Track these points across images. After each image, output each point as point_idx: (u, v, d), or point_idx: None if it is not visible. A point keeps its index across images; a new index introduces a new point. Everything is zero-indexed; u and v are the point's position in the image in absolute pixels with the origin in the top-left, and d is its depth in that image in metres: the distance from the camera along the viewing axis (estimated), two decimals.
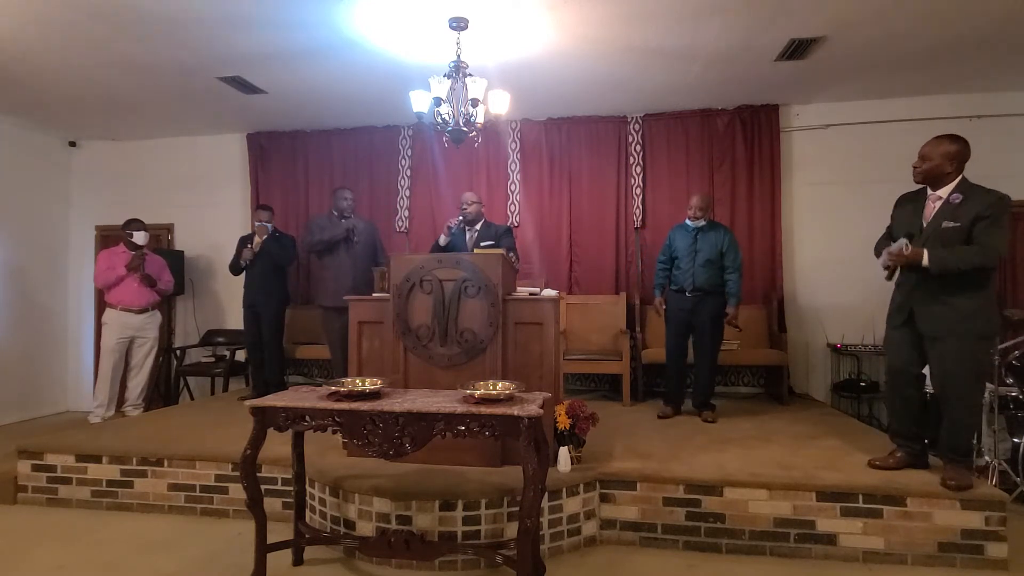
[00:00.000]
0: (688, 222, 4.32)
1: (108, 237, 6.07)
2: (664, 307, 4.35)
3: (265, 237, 4.91)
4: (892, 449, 3.08)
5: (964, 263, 2.68)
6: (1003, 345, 3.57)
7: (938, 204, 2.83)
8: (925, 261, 2.71)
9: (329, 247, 4.74)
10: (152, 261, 5.08)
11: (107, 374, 4.89)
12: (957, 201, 2.76)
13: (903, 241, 2.80)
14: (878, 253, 3.01)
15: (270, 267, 4.95)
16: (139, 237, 4.95)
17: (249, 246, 4.94)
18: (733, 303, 4.18)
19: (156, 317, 5.11)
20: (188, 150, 6.18)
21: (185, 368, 5.78)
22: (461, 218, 4.29)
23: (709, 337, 4.22)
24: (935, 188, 2.86)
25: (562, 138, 5.60)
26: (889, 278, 2.94)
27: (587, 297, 5.41)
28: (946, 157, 2.78)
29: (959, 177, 2.81)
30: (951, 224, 2.74)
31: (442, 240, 4.15)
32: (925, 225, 2.84)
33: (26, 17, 3.60)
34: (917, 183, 2.92)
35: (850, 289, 5.04)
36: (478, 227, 4.40)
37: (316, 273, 4.97)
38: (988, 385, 3.46)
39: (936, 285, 2.78)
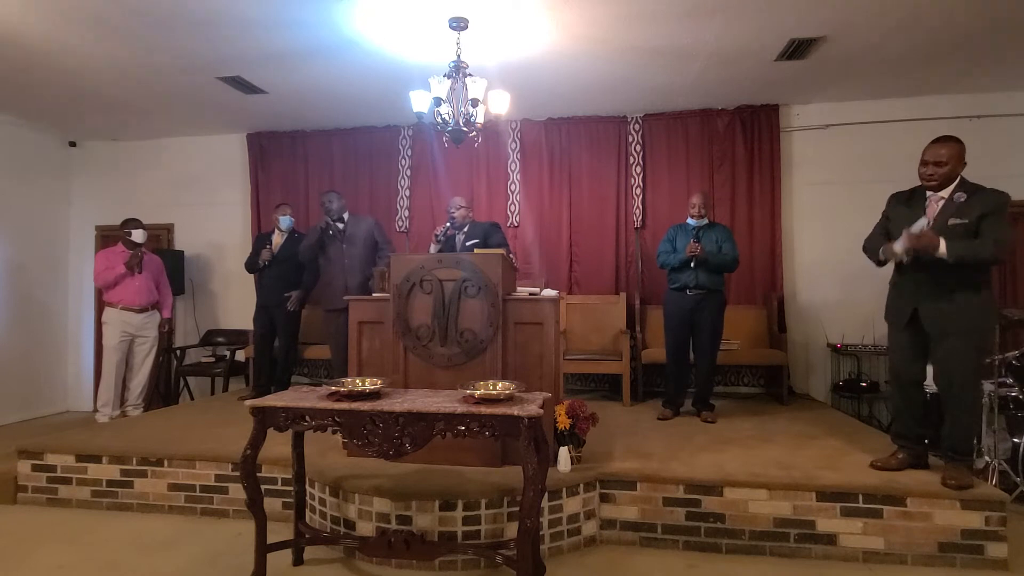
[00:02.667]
0: (690, 220, 4.32)
1: (108, 237, 6.07)
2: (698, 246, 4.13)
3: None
4: (894, 450, 3.08)
5: (978, 255, 2.70)
6: (1009, 354, 3.59)
7: (941, 203, 2.84)
8: (942, 249, 2.70)
9: (316, 252, 4.75)
10: (150, 261, 5.08)
11: (111, 373, 4.89)
12: (962, 200, 2.78)
13: (924, 221, 2.80)
14: (867, 249, 3.02)
15: (287, 269, 4.95)
16: (138, 235, 4.96)
17: (268, 247, 4.95)
18: (712, 256, 4.11)
19: (156, 317, 5.11)
20: (188, 150, 6.19)
21: (185, 368, 5.78)
22: (448, 225, 4.29)
23: (709, 336, 4.21)
24: (937, 190, 2.87)
25: (562, 138, 5.60)
26: (907, 261, 2.86)
27: (587, 297, 5.41)
28: (959, 159, 2.82)
29: (959, 177, 2.84)
30: (958, 221, 2.76)
31: (432, 250, 4.14)
32: (929, 223, 2.84)
33: (26, 17, 3.60)
34: (936, 189, 2.88)
35: (850, 289, 5.05)
36: (466, 229, 4.41)
37: (320, 277, 5.03)
38: (988, 385, 3.48)
39: (941, 284, 2.80)
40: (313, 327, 5.47)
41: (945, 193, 2.84)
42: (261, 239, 5.12)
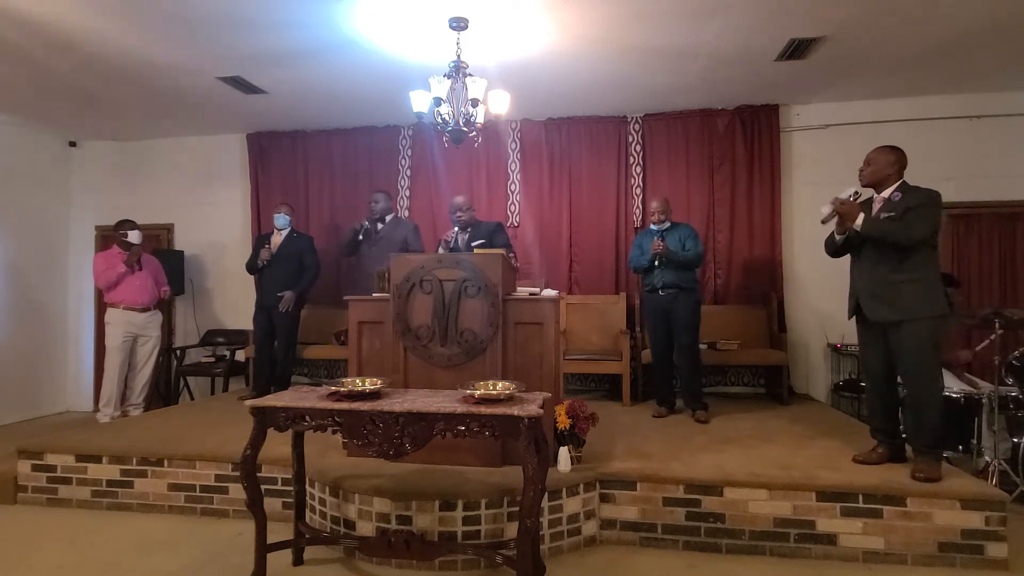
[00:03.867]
0: (652, 227, 4.44)
1: (108, 237, 6.06)
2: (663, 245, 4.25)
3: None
4: (874, 445, 3.16)
5: (884, 233, 2.96)
6: (1015, 353, 3.62)
7: (881, 203, 3.11)
8: (858, 221, 3.01)
9: (350, 250, 4.95)
10: (148, 262, 5.08)
11: (114, 373, 4.90)
12: (897, 198, 3.05)
13: (853, 189, 3.12)
14: (826, 248, 3.32)
15: (286, 269, 4.96)
16: (134, 236, 4.95)
17: (267, 247, 4.96)
18: (678, 255, 4.21)
19: (158, 316, 5.12)
20: (188, 150, 6.19)
21: (185, 368, 5.78)
22: (456, 229, 4.30)
23: (686, 334, 4.26)
24: (879, 191, 3.14)
25: (562, 138, 5.60)
26: (826, 221, 3.16)
27: (587, 297, 5.41)
28: (887, 164, 3.10)
29: (900, 180, 3.08)
30: (888, 214, 3.03)
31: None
32: (872, 219, 3.08)
33: (25, 17, 3.60)
34: (863, 185, 3.20)
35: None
36: (469, 228, 4.41)
37: (350, 274, 5.32)
38: (987, 385, 3.48)
39: (877, 271, 3.03)
40: (313, 327, 5.48)
41: (886, 193, 3.10)
42: (261, 239, 5.13)
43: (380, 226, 4.88)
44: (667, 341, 4.37)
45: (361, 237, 4.86)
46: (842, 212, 3.06)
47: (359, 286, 4.63)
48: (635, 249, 4.54)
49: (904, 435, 3.15)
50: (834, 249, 3.30)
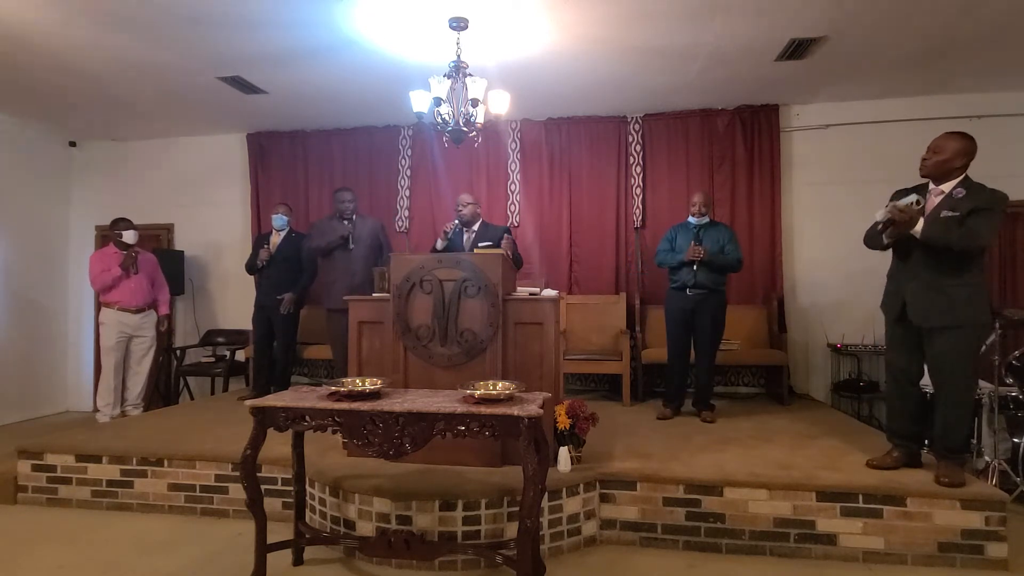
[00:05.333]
0: (691, 219, 4.32)
1: (108, 237, 6.06)
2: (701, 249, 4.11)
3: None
4: (889, 448, 3.08)
5: (949, 241, 2.72)
6: (1015, 353, 3.59)
7: (940, 197, 2.85)
8: (919, 227, 2.75)
9: (327, 252, 4.77)
10: (145, 261, 5.07)
11: (110, 373, 4.89)
12: (960, 196, 2.79)
13: (915, 196, 2.79)
14: (867, 239, 3.03)
15: (285, 269, 4.95)
16: (129, 236, 4.94)
17: (266, 247, 4.96)
18: (716, 257, 4.09)
19: (153, 316, 5.11)
20: (188, 150, 6.19)
21: (185, 368, 5.78)
22: (457, 221, 4.28)
23: (709, 336, 4.21)
24: (939, 183, 2.88)
25: (562, 138, 5.60)
26: (886, 242, 2.91)
27: (587, 297, 5.41)
28: (957, 153, 2.81)
29: (964, 174, 2.84)
30: (949, 213, 2.77)
31: (439, 245, 4.14)
32: (927, 215, 2.84)
33: (26, 17, 3.60)
34: (923, 175, 2.92)
35: (850, 289, 5.04)
36: (475, 228, 4.39)
37: (321, 276, 5.02)
38: (987, 385, 3.47)
39: (928, 274, 2.82)
40: (312, 327, 5.48)
41: (946, 188, 2.85)
42: (260, 240, 5.13)
43: (350, 224, 4.77)
44: (686, 341, 4.27)
45: (348, 240, 4.72)
46: (900, 220, 2.77)
47: (337, 286, 4.59)
48: (664, 243, 4.35)
49: (925, 440, 3.07)
50: (875, 245, 3.01)
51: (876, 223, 2.91)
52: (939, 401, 2.90)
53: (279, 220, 5.01)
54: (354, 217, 4.83)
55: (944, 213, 2.78)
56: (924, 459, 3.06)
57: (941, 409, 2.89)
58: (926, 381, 3.06)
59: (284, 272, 4.94)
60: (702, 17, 3.67)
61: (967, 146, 2.81)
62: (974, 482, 2.86)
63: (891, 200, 3.00)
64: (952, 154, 2.81)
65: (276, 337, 5.00)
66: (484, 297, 3.06)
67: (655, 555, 2.87)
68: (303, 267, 5.02)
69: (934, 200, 2.87)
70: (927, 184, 2.94)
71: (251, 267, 5.08)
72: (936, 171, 2.86)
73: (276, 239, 5.02)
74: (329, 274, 4.81)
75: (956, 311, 2.77)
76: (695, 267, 4.12)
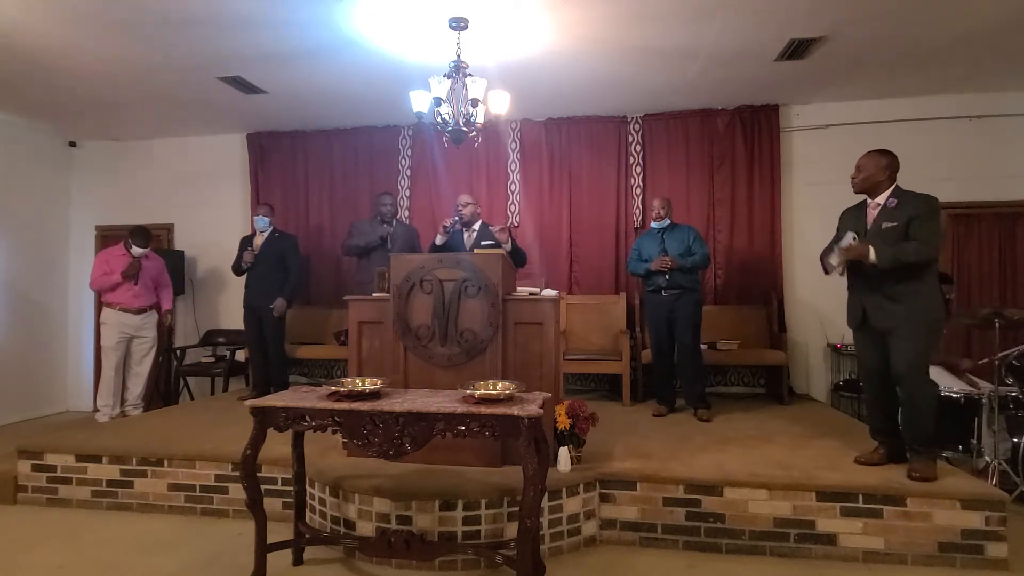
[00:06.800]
0: (653, 224, 4.46)
1: (108, 237, 6.07)
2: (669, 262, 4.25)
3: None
4: (875, 446, 3.17)
5: (906, 257, 2.90)
6: (1004, 352, 3.60)
7: (877, 210, 3.07)
8: (872, 257, 2.94)
9: (366, 251, 4.89)
10: (152, 263, 5.07)
11: (110, 373, 4.89)
12: (893, 205, 3.01)
13: (850, 235, 3.06)
14: (821, 260, 3.22)
15: (271, 269, 4.95)
16: (137, 252, 4.91)
17: (250, 248, 4.96)
18: (684, 262, 4.23)
19: (154, 317, 5.11)
20: (188, 150, 6.19)
21: (185, 368, 5.78)
22: (457, 218, 4.29)
23: (688, 334, 4.27)
24: (873, 196, 3.11)
25: (562, 138, 5.60)
26: (842, 274, 3.15)
27: (587, 297, 5.41)
28: (878, 168, 3.06)
29: (893, 185, 3.06)
30: (889, 224, 2.98)
31: (439, 240, 4.15)
32: (868, 228, 3.07)
33: (26, 16, 3.60)
34: (856, 191, 3.18)
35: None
36: (476, 228, 4.39)
37: (354, 275, 5.15)
38: (987, 385, 3.48)
39: (883, 284, 2.99)
40: (311, 327, 5.48)
41: (881, 200, 3.07)
42: (244, 241, 5.12)
43: (390, 228, 4.92)
44: (668, 341, 4.39)
45: (389, 244, 4.86)
46: (853, 256, 3.00)
47: (369, 290, 4.59)
48: (633, 252, 4.56)
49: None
50: (827, 273, 3.24)
51: (830, 271, 3.14)
52: (902, 399, 3.02)
53: (261, 221, 5.02)
54: (393, 221, 4.92)
55: (885, 225, 3.00)
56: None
57: (905, 407, 3.01)
58: None
59: (270, 272, 4.95)
60: (702, 17, 3.67)
61: (886, 161, 3.06)
62: (947, 475, 2.91)
63: (840, 219, 3.28)
64: (874, 170, 3.07)
65: (267, 338, 4.98)
66: (484, 297, 3.06)
67: (655, 555, 2.87)
68: (288, 267, 5.01)
69: (872, 212, 3.10)
70: (865, 199, 3.15)
71: (237, 269, 5.08)
72: (865, 186, 3.12)
73: (259, 240, 5.02)
74: (365, 274, 4.86)
75: (911, 310, 2.93)
76: (666, 275, 4.27)
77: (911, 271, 2.92)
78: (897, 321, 2.95)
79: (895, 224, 2.96)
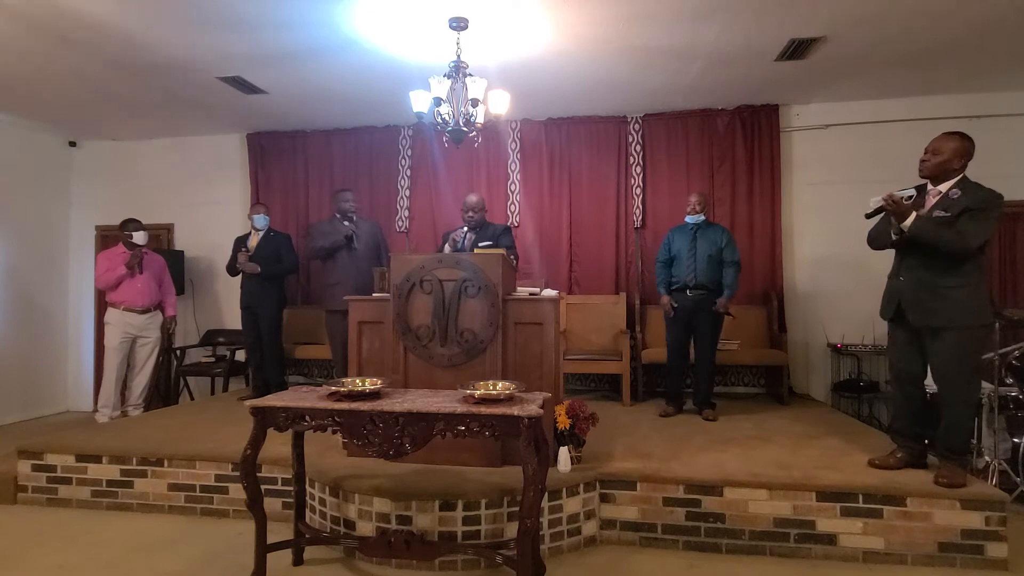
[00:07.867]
0: (688, 219, 4.38)
1: (108, 237, 6.07)
2: (673, 306, 4.30)
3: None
4: (893, 449, 3.08)
5: (937, 240, 2.73)
6: (1004, 350, 3.58)
7: (937, 198, 2.87)
8: (909, 220, 2.76)
9: (331, 253, 4.77)
10: (152, 261, 5.07)
11: (112, 373, 4.90)
12: (956, 196, 2.80)
13: (912, 191, 2.84)
14: (869, 240, 3.05)
15: (266, 268, 4.94)
16: (139, 237, 4.94)
17: (244, 249, 4.95)
18: (727, 295, 4.23)
19: (158, 317, 5.12)
20: (188, 150, 6.19)
21: (185, 368, 5.78)
22: (466, 228, 4.26)
23: (709, 336, 4.25)
24: (937, 183, 2.89)
25: (562, 138, 5.60)
26: (869, 216, 2.96)
27: (587, 297, 5.41)
28: (956, 153, 2.81)
29: (962, 175, 2.84)
30: (942, 214, 2.79)
31: (446, 251, 4.13)
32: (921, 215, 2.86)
33: (26, 16, 3.60)
34: (923, 177, 2.93)
35: (850, 289, 5.04)
36: (478, 229, 4.39)
37: (320, 278, 5.02)
38: (987, 385, 3.47)
39: (922, 273, 2.83)
40: (311, 327, 5.48)
41: (943, 188, 2.86)
42: (238, 241, 5.11)
43: (351, 225, 4.80)
44: (686, 341, 4.34)
45: (355, 244, 4.75)
46: (892, 210, 2.79)
47: (341, 287, 4.54)
48: (662, 250, 4.46)
49: (927, 441, 3.05)
50: (880, 245, 3.03)
51: (868, 212, 2.93)
52: (942, 402, 2.90)
53: (261, 220, 5.03)
54: (355, 218, 4.84)
55: (936, 213, 2.80)
56: (929, 460, 3.04)
57: (946, 410, 2.88)
58: (930, 381, 3.06)
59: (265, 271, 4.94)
60: (702, 17, 3.67)
61: (965, 147, 2.82)
62: (974, 483, 2.86)
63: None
64: (951, 155, 2.82)
65: (262, 338, 4.98)
66: (484, 297, 3.06)
67: (655, 555, 2.87)
68: (281, 261, 5.01)
69: (931, 200, 2.88)
70: (926, 184, 2.95)
71: (231, 269, 5.07)
72: (935, 172, 2.87)
73: (255, 240, 5.01)
74: (331, 275, 4.79)
75: (956, 313, 2.77)
76: (695, 273, 4.21)
77: (952, 265, 2.75)
78: (941, 321, 2.78)
79: (948, 214, 2.75)
